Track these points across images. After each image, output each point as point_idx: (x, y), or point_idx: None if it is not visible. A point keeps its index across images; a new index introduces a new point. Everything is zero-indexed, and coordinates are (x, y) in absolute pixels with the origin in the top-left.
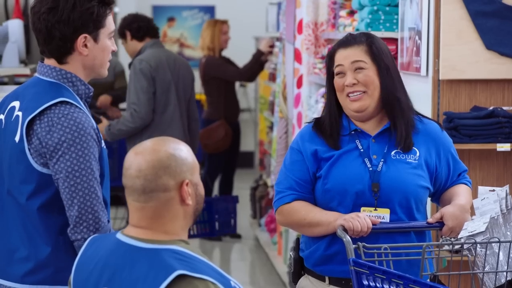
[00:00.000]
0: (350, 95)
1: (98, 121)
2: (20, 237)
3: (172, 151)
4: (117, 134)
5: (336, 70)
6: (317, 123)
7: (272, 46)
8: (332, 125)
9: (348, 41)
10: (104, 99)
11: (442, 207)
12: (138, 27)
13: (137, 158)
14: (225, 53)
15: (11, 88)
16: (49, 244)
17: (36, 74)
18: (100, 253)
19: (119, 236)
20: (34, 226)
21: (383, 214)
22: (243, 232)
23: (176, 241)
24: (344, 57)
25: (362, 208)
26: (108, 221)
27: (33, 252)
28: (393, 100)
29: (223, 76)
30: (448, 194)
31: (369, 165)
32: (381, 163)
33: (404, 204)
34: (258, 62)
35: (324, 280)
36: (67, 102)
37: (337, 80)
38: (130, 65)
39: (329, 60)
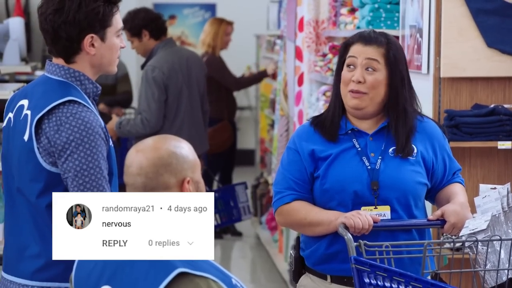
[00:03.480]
0: (353, 91)
1: (108, 119)
2: (32, 234)
3: (173, 149)
4: (126, 134)
5: (348, 60)
6: (315, 119)
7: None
8: (333, 119)
9: (370, 37)
10: (101, 108)
11: (439, 206)
12: (158, 27)
13: (138, 156)
14: (226, 50)
15: (12, 86)
16: None
17: (44, 73)
18: None
19: None
20: (46, 224)
21: (384, 212)
22: (244, 230)
23: None
24: (360, 51)
25: (362, 208)
26: None
27: (44, 249)
28: (401, 111)
29: (221, 79)
30: (445, 193)
31: (367, 164)
32: (379, 160)
33: (403, 201)
34: (258, 81)
35: (325, 278)
36: (75, 101)
37: (345, 73)
38: (142, 66)
39: (344, 49)
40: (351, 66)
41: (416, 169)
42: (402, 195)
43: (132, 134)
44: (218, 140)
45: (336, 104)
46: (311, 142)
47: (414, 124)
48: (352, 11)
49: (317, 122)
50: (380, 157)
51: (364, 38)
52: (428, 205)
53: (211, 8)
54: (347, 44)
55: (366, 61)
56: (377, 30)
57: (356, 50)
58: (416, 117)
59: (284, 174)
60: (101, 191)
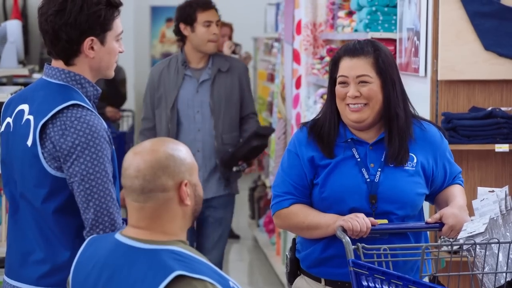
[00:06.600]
0: (350, 105)
1: (106, 119)
2: (36, 239)
3: (171, 152)
4: None
5: (339, 79)
6: (313, 127)
7: (234, 52)
8: (329, 133)
9: (355, 50)
10: (113, 112)
11: (439, 208)
12: None
13: (136, 158)
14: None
15: (9, 89)
16: (67, 248)
17: (43, 76)
18: (99, 253)
19: (118, 236)
20: (51, 229)
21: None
22: (242, 232)
23: (175, 242)
24: (349, 67)
25: None
26: (123, 221)
27: (50, 255)
28: (392, 116)
29: None
30: (444, 195)
31: (366, 176)
32: (378, 172)
33: (401, 213)
34: None
35: (320, 281)
36: (78, 105)
37: (339, 89)
38: (219, 72)
39: (333, 66)
40: (344, 84)
41: (416, 179)
42: (400, 207)
43: None
44: None
45: (332, 119)
46: (311, 148)
47: (409, 130)
48: (350, 14)
49: (313, 131)
50: (379, 169)
51: (350, 51)
52: (426, 208)
53: None
54: (335, 60)
55: (357, 78)
56: (362, 39)
57: (345, 67)
58: (411, 122)
59: (283, 177)
60: (107, 194)
